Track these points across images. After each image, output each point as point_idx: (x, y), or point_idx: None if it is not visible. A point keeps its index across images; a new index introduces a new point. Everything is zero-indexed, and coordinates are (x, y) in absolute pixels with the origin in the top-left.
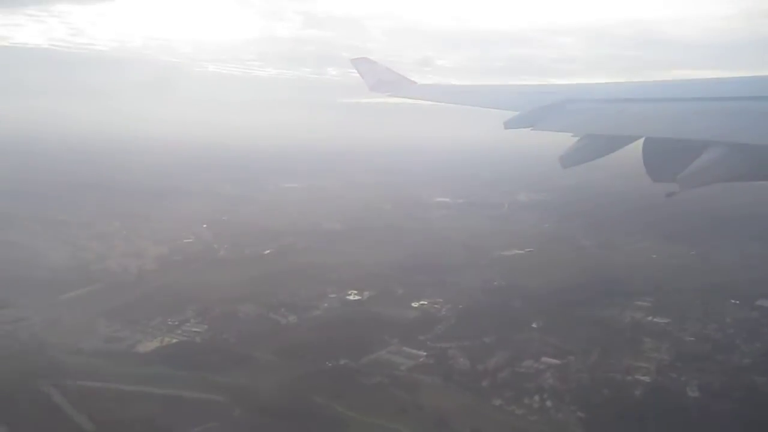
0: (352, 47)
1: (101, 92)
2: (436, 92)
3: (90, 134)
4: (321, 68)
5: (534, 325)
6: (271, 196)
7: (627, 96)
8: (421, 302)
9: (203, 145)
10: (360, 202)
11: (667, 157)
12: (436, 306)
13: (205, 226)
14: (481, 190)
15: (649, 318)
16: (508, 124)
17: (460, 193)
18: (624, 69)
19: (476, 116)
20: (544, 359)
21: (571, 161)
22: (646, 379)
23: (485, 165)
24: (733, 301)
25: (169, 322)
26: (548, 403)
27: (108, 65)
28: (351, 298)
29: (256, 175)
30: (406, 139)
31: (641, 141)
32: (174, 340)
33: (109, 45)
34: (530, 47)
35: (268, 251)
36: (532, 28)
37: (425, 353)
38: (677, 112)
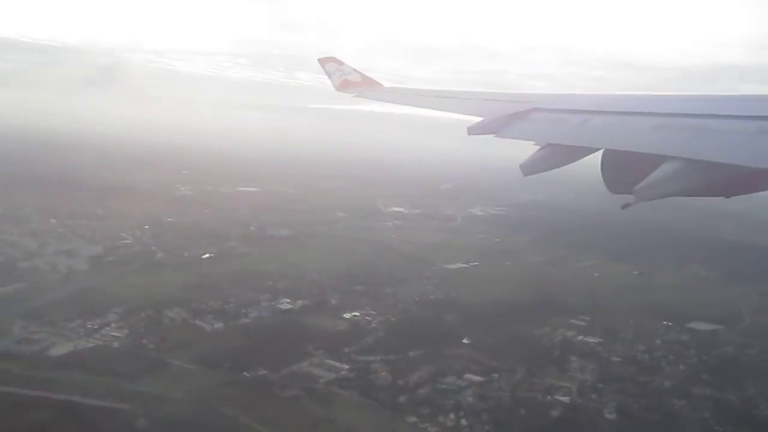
0: (325, 53)
1: (65, 86)
2: (402, 96)
3: (50, 128)
4: (292, 72)
5: (465, 341)
6: (226, 199)
7: (591, 108)
8: (354, 314)
9: (167, 144)
10: (315, 209)
11: (624, 169)
12: (367, 318)
13: (147, 227)
14: (440, 201)
15: (581, 337)
16: (472, 130)
17: (418, 204)
18: (594, 88)
19: (449, 125)
20: (468, 376)
21: (532, 169)
22: (566, 399)
23: (451, 175)
24: (666, 322)
25: (89, 326)
26: (463, 422)
27: (74, 59)
28: (283, 306)
29: (215, 178)
30: (376, 147)
31: (601, 152)
32: (90, 344)
33: (77, 38)
34: (502, 63)
35: (207, 255)
36: (506, 44)
37: (348, 366)
38: (638, 126)
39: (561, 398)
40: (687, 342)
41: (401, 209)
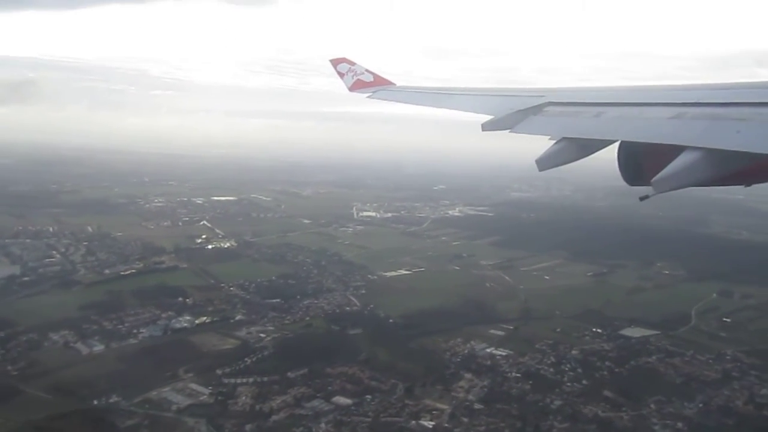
0: (337, 55)
1: (68, 101)
2: (414, 95)
3: (37, 143)
4: (305, 78)
5: (361, 357)
6: (195, 209)
7: (606, 100)
8: (250, 330)
9: (165, 155)
10: (281, 217)
11: (641, 160)
12: (261, 335)
13: (86, 243)
14: (420, 204)
15: (490, 350)
16: (486, 127)
17: (395, 207)
18: (609, 80)
19: (465, 123)
20: (336, 399)
21: (547, 164)
22: (430, 424)
23: (451, 175)
24: (596, 329)
25: None
26: None
27: (91, 76)
28: (179, 325)
29: (196, 187)
30: (384, 149)
31: (617, 145)
32: None
33: (94, 55)
34: (515, 59)
35: (129, 271)
36: (518, 40)
37: (210, 391)
38: (654, 117)
39: (426, 423)
40: (607, 352)
41: (373, 214)
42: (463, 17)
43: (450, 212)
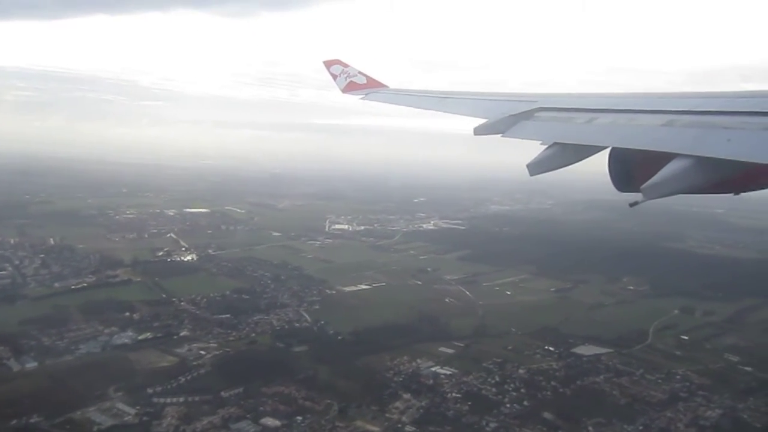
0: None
1: (54, 110)
2: (407, 98)
3: (35, 152)
4: (295, 90)
5: (300, 376)
6: (164, 222)
7: (598, 106)
8: (191, 347)
9: (146, 166)
10: (251, 230)
11: (632, 167)
12: (201, 352)
13: (42, 255)
14: (395, 217)
15: (435, 368)
16: (478, 131)
17: (368, 220)
18: None
19: (454, 135)
20: (265, 420)
21: (538, 169)
22: None
23: (433, 187)
24: (548, 347)
25: None
26: None
27: (79, 86)
28: (120, 341)
29: (171, 199)
30: (372, 161)
31: (608, 151)
32: None
33: (82, 65)
34: (503, 72)
35: (80, 285)
36: (506, 53)
37: (136, 411)
38: (645, 124)
39: None
40: (555, 371)
41: (345, 227)
42: (452, 31)
43: (424, 225)
